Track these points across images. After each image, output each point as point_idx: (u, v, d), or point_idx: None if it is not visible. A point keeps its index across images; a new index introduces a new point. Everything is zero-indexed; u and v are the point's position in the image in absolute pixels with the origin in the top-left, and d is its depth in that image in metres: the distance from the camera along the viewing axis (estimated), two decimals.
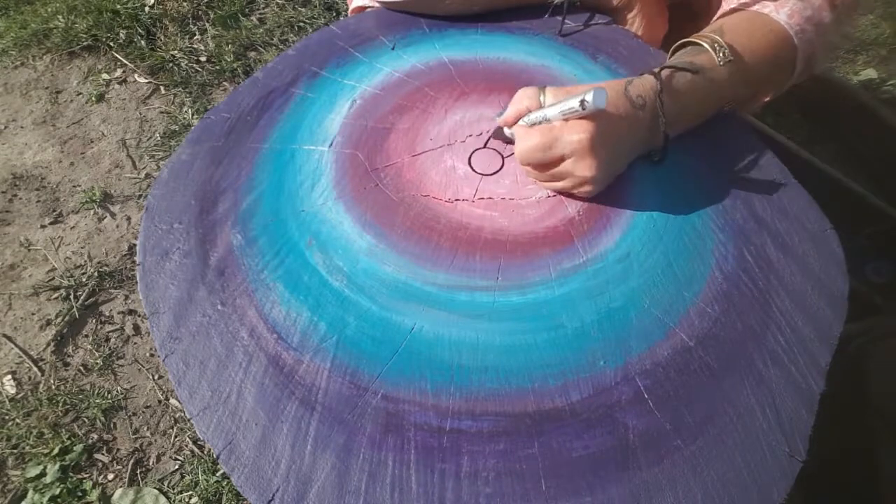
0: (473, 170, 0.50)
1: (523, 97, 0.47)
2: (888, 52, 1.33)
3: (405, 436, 0.38)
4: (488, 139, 0.52)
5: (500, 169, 0.51)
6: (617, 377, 0.40)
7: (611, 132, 0.44)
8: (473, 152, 0.51)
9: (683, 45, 0.51)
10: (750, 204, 0.49)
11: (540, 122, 0.46)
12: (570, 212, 0.48)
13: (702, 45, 0.49)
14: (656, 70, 0.47)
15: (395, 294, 0.43)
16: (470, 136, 0.53)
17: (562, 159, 0.45)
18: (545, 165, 0.46)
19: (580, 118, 0.43)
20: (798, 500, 0.42)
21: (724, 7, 0.58)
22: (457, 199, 0.49)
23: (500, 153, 0.52)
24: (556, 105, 0.44)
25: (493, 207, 0.48)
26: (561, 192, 0.48)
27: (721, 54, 0.48)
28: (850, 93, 1.09)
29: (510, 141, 0.50)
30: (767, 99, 0.57)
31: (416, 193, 0.49)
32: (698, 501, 0.36)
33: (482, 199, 0.49)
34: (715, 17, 0.56)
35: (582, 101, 0.42)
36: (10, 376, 0.97)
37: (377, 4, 0.65)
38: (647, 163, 0.50)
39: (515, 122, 0.48)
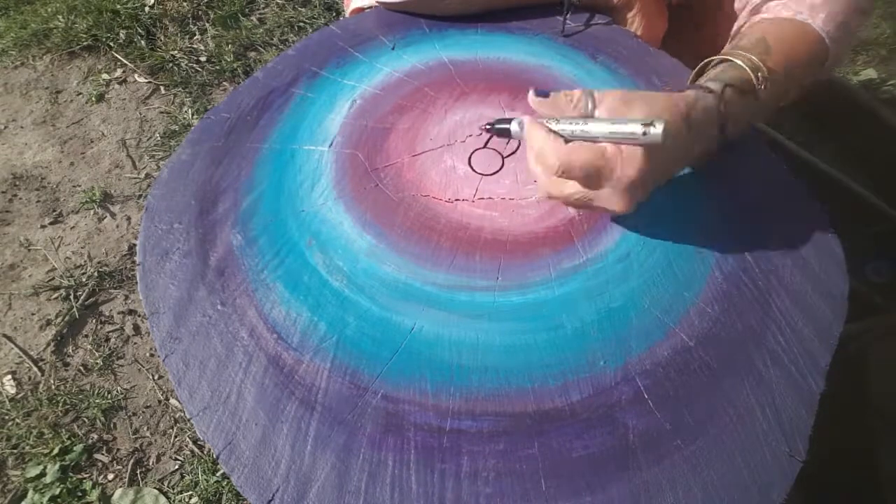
0: (473, 170, 0.50)
1: (570, 101, 0.40)
2: (888, 52, 1.33)
3: (405, 436, 0.38)
4: (490, 126, 0.45)
5: (500, 169, 0.51)
6: (617, 377, 0.40)
7: (661, 164, 0.40)
8: (473, 152, 0.51)
9: (721, 62, 0.48)
10: (750, 204, 0.49)
11: (574, 133, 0.39)
12: (571, 212, 0.48)
13: (741, 65, 0.46)
14: (718, 91, 0.43)
15: (395, 294, 0.43)
16: (470, 136, 0.53)
17: (597, 187, 0.39)
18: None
19: (637, 147, 0.38)
20: (798, 500, 0.42)
21: (746, 11, 0.56)
22: (457, 199, 0.49)
23: (499, 153, 0.52)
24: (609, 124, 0.38)
25: (493, 207, 0.48)
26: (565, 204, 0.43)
27: (762, 79, 0.45)
28: (851, 93, 1.09)
29: (508, 135, 0.45)
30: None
31: (416, 193, 0.49)
32: (698, 501, 0.36)
33: (482, 199, 0.49)
34: (741, 23, 0.54)
35: (644, 131, 0.36)
36: (10, 376, 0.97)
37: (376, 4, 0.65)
38: None
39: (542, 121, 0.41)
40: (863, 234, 0.92)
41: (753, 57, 0.46)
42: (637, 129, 0.37)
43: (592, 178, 0.39)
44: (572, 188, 0.40)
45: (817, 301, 0.44)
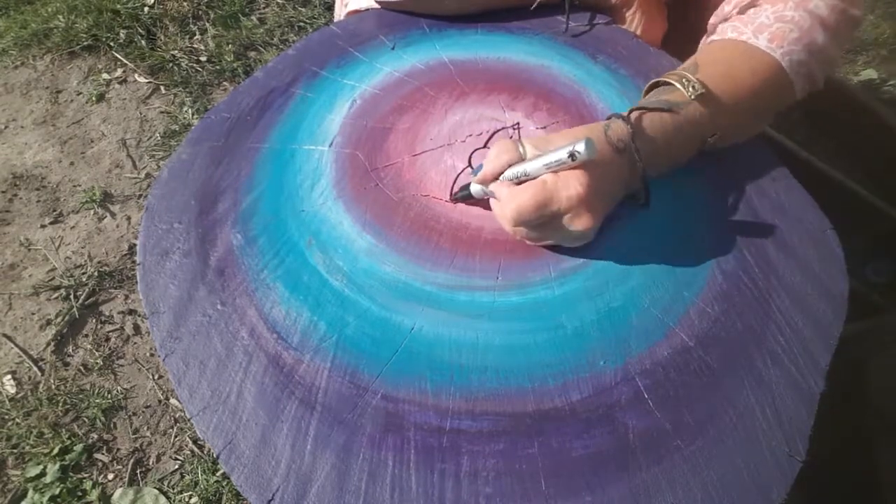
0: (474, 170, 0.50)
1: (502, 152, 0.43)
2: (888, 53, 1.33)
3: (405, 436, 0.38)
4: (456, 196, 0.48)
5: None
6: (617, 377, 0.40)
7: (601, 181, 0.42)
8: (473, 152, 0.51)
9: (656, 85, 0.49)
10: (750, 204, 0.49)
11: (519, 178, 0.43)
12: None
13: (671, 83, 0.47)
14: (625, 114, 0.45)
15: (394, 294, 0.43)
16: (470, 136, 0.53)
17: (555, 215, 0.41)
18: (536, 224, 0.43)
19: (571, 169, 0.41)
20: (798, 500, 0.42)
21: (705, 39, 0.57)
22: (456, 199, 0.49)
23: None
24: (540, 158, 0.41)
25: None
26: (547, 247, 0.46)
27: (690, 88, 0.45)
28: (851, 93, 1.09)
29: (478, 200, 0.47)
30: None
31: (416, 193, 0.49)
32: (698, 501, 0.36)
33: (482, 198, 0.49)
34: (696, 54, 0.54)
35: (571, 154, 0.39)
36: (9, 376, 0.97)
37: (375, 5, 0.65)
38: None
39: (494, 180, 0.44)
40: (863, 233, 0.92)
41: (681, 70, 0.48)
42: (564, 153, 0.40)
43: (547, 210, 0.41)
44: (538, 230, 0.43)
45: (817, 301, 0.44)
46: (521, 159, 0.43)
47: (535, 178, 0.42)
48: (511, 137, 0.52)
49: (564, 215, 0.41)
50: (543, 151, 0.42)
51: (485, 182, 0.45)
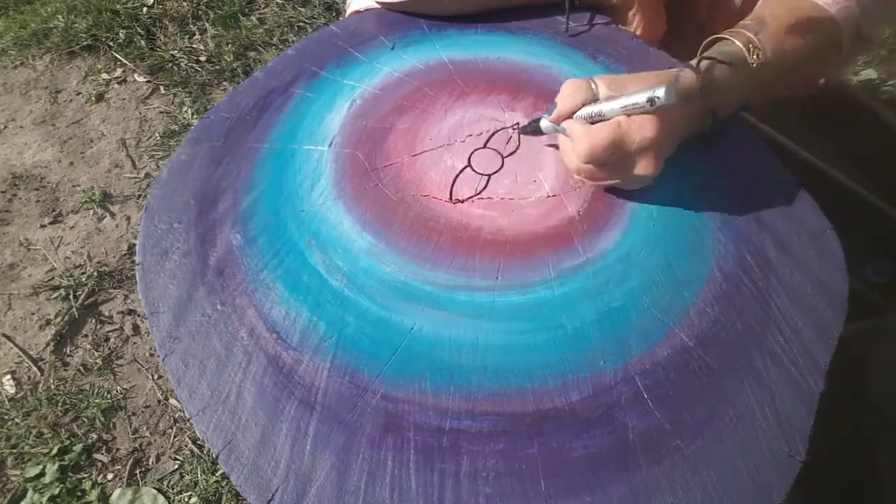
0: (473, 170, 0.50)
1: (576, 91, 0.45)
2: (888, 53, 1.33)
3: (405, 436, 0.38)
4: (524, 129, 0.50)
5: (500, 169, 0.51)
6: (617, 377, 0.40)
7: (668, 128, 0.43)
8: (473, 152, 0.51)
9: (718, 40, 0.50)
10: (749, 204, 0.49)
11: (593, 118, 0.44)
12: (570, 212, 0.48)
13: (731, 41, 0.48)
14: (694, 63, 0.47)
15: (394, 294, 0.43)
16: (470, 135, 0.53)
17: (625, 157, 0.43)
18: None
19: (645, 114, 0.42)
20: (798, 500, 0.42)
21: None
22: (456, 199, 0.49)
23: (499, 153, 0.52)
24: (618, 100, 0.43)
25: (493, 207, 0.48)
26: (604, 188, 0.48)
27: (755, 55, 0.47)
28: (850, 93, 1.09)
29: (541, 134, 0.49)
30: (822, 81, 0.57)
31: (415, 193, 0.49)
32: (698, 501, 0.36)
33: (482, 199, 0.49)
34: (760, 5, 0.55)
35: (651, 99, 0.41)
36: (9, 376, 0.97)
37: (376, 5, 0.64)
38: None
39: (568, 118, 0.46)
40: (862, 233, 0.92)
41: (746, 32, 0.48)
42: (643, 97, 0.41)
43: (619, 151, 0.43)
44: (604, 169, 0.45)
45: (817, 301, 0.44)
46: (595, 99, 0.45)
47: (608, 119, 0.43)
48: (511, 138, 0.52)
49: (634, 157, 0.43)
50: (618, 94, 0.43)
51: (559, 120, 0.46)
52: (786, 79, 0.50)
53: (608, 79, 0.45)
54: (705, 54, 0.48)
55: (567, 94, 0.45)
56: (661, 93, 0.40)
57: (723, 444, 0.38)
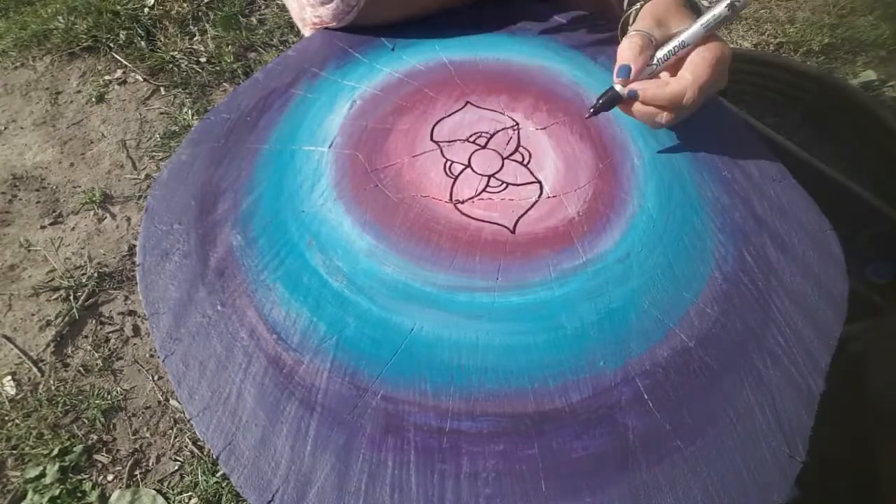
0: (473, 170, 0.50)
1: (635, 46, 0.45)
2: (887, 54, 1.33)
3: (405, 436, 0.38)
4: (597, 106, 0.48)
5: (500, 169, 0.51)
6: (617, 378, 0.40)
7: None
8: (473, 153, 0.52)
9: None
10: (749, 204, 0.49)
11: (677, 52, 0.45)
12: (570, 212, 0.48)
13: None
14: None
15: (394, 295, 0.43)
16: (470, 136, 0.53)
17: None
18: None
19: (711, 38, 0.43)
20: (798, 500, 0.42)
21: None
22: (457, 200, 0.49)
23: (499, 153, 0.52)
24: (697, 21, 0.44)
25: (493, 208, 0.48)
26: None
27: None
28: (850, 94, 1.09)
29: (616, 104, 0.48)
30: None
31: (415, 194, 0.49)
32: (698, 502, 0.36)
33: (482, 199, 0.49)
34: None
35: (731, 5, 0.42)
36: (9, 377, 0.97)
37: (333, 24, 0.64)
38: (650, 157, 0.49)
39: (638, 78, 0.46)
40: (863, 234, 0.92)
41: None
42: (723, 6, 0.43)
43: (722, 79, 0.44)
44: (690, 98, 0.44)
45: (817, 301, 0.44)
46: (651, 43, 0.45)
47: (691, 46, 0.44)
48: (511, 138, 0.52)
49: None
50: (668, 24, 0.45)
51: (639, 76, 0.46)
52: None
53: (647, 20, 0.45)
54: None
55: (633, 52, 0.45)
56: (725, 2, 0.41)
57: (723, 445, 0.38)
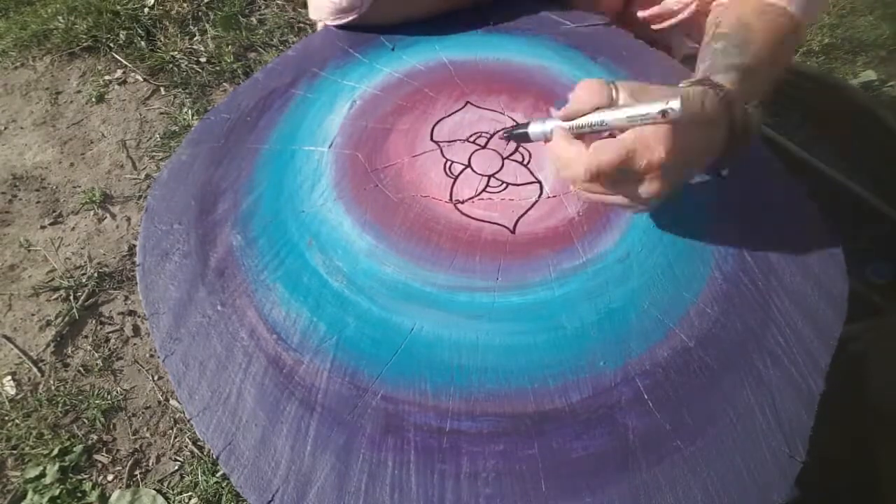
0: (473, 170, 0.50)
1: (592, 93, 0.40)
2: (887, 54, 1.33)
3: (405, 436, 0.38)
4: (510, 134, 0.45)
5: (500, 169, 0.51)
6: (617, 378, 0.40)
7: (688, 150, 0.39)
8: (473, 153, 0.52)
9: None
10: (750, 204, 0.49)
11: (593, 126, 0.40)
12: (570, 212, 0.48)
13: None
14: (717, 82, 0.42)
15: (395, 295, 0.43)
16: (470, 136, 0.53)
17: (631, 175, 0.39)
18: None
19: (658, 129, 0.37)
20: (798, 501, 0.42)
21: None
22: (457, 200, 0.49)
23: (499, 154, 0.52)
24: (625, 109, 0.38)
25: (493, 208, 0.48)
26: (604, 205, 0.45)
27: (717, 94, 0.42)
28: (850, 94, 1.09)
29: (529, 141, 0.44)
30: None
31: (415, 194, 0.49)
32: (698, 502, 0.36)
33: (482, 199, 0.49)
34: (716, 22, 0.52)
35: (664, 111, 0.36)
36: (9, 377, 0.97)
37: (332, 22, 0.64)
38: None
39: (574, 120, 0.41)
40: (863, 234, 0.92)
41: (705, 85, 0.43)
42: (655, 108, 0.36)
43: (625, 170, 0.38)
44: (606, 188, 0.40)
45: (817, 301, 0.44)
46: (611, 103, 0.40)
47: (613, 129, 0.39)
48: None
49: (642, 176, 0.39)
50: (630, 104, 0.39)
51: (567, 119, 0.41)
52: (771, 77, 0.48)
53: (631, 86, 0.40)
54: (703, 73, 0.45)
55: (581, 95, 0.40)
56: (675, 104, 0.36)
57: (723, 445, 0.38)
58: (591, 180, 0.39)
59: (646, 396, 0.39)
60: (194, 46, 1.41)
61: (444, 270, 0.45)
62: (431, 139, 0.53)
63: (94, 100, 1.32)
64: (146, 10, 1.46)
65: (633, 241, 0.46)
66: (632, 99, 0.40)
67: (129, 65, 1.38)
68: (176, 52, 1.38)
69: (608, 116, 0.39)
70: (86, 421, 0.94)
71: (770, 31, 0.49)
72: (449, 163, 0.51)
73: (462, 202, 0.49)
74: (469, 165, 0.51)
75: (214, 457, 0.38)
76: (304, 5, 1.52)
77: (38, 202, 1.18)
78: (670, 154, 0.37)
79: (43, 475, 0.88)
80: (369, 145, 0.52)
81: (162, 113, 1.31)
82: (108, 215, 1.16)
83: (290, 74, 0.59)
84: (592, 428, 0.38)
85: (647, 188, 0.39)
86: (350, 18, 0.61)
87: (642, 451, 0.37)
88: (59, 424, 0.93)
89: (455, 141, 0.52)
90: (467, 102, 0.55)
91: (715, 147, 0.42)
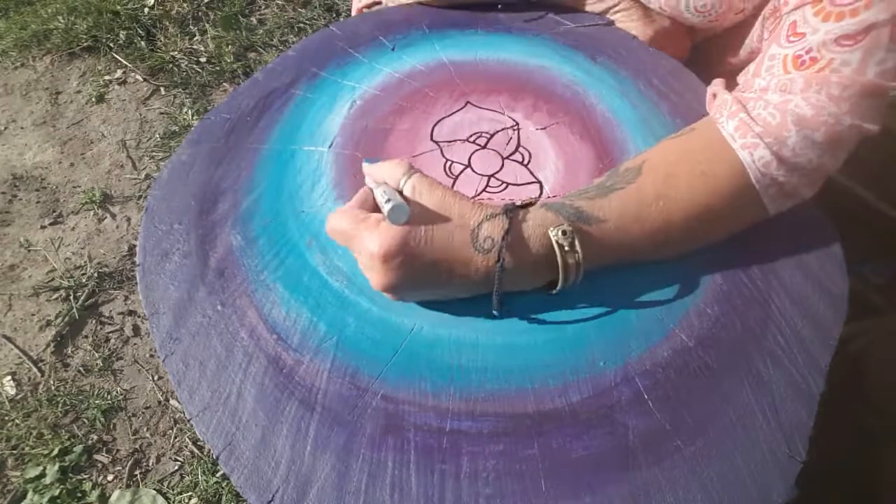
0: (473, 170, 0.50)
1: (395, 167, 0.40)
2: None
3: (405, 436, 0.38)
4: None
5: (500, 169, 0.51)
6: (617, 378, 0.40)
7: (425, 258, 0.37)
8: (473, 153, 0.52)
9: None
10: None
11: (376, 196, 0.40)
12: None
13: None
14: (513, 215, 0.39)
15: None
16: (470, 136, 0.53)
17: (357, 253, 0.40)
18: None
19: (387, 225, 0.37)
20: (798, 500, 0.42)
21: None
22: None
23: (499, 153, 0.52)
24: (378, 189, 0.39)
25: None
26: None
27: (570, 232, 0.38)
28: None
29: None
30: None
31: None
32: (698, 502, 0.36)
33: (482, 199, 0.49)
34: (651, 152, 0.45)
35: (388, 199, 0.37)
36: (9, 377, 0.97)
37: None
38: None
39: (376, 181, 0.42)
40: (862, 234, 0.92)
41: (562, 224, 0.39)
42: (382, 196, 0.37)
43: (349, 246, 0.40)
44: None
45: (817, 301, 0.44)
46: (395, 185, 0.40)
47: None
48: (511, 139, 0.52)
49: (363, 261, 0.39)
50: (381, 185, 0.40)
51: (367, 174, 0.43)
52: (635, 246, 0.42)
53: (423, 182, 0.39)
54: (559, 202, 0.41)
55: (388, 164, 0.41)
56: (387, 209, 0.35)
57: (723, 445, 0.38)
58: (333, 237, 0.41)
59: (646, 396, 0.39)
60: (194, 46, 1.41)
61: None
62: (431, 139, 0.53)
63: (94, 100, 1.33)
64: (146, 10, 1.46)
65: None
66: (411, 193, 0.39)
67: (129, 65, 1.38)
68: (176, 52, 1.38)
69: (377, 190, 0.40)
70: (86, 421, 0.94)
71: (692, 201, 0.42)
72: (449, 163, 0.51)
73: None
74: (469, 165, 0.51)
75: (214, 457, 0.38)
76: (304, 5, 1.53)
77: (38, 202, 1.18)
78: (383, 251, 0.36)
79: (43, 475, 0.89)
80: (370, 145, 0.52)
81: (162, 113, 1.31)
82: (108, 215, 1.16)
83: (290, 74, 0.59)
84: (592, 428, 0.38)
85: (372, 277, 0.39)
86: None
87: (642, 451, 0.37)
88: (59, 424, 0.93)
89: (455, 141, 0.52)
90: (467, 102, 0.55)
91: (480, 276, 0.39)
